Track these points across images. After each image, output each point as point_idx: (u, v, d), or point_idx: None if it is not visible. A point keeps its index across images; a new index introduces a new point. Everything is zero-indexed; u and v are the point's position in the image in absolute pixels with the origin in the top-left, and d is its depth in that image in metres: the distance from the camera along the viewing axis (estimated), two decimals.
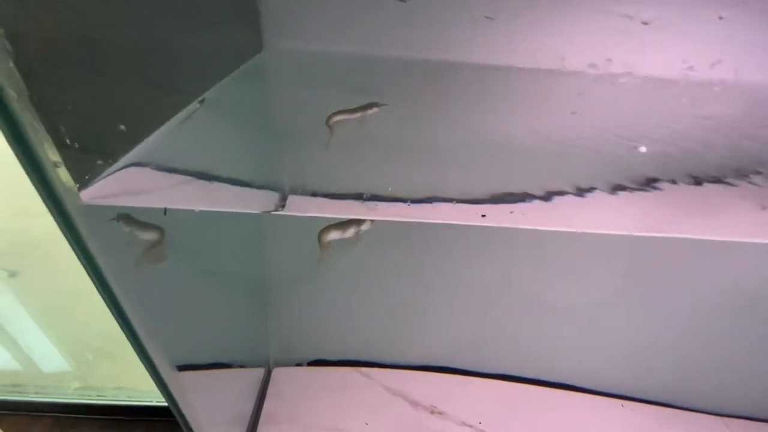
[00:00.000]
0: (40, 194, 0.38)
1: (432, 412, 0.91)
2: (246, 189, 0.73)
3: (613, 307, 0.86)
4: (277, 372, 0.98)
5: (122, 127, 0.47)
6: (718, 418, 0.91)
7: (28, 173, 0.37)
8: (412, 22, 0.80)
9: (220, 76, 0.80)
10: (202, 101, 0.70)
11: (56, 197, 0.38)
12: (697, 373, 0.89)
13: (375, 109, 0.73)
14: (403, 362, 0.99)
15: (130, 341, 0.53)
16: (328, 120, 0.80)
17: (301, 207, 0.62)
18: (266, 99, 0.96)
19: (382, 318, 0.95)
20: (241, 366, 0.90)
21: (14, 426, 1.13)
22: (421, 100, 0.83)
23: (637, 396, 0.94)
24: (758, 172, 0.61)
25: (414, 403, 0.93)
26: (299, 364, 1.00)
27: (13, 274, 1.78)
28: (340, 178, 0.78)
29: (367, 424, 0.89)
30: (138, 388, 1.20)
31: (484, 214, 0.49)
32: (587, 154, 0.68)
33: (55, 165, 0.37)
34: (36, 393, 1.19)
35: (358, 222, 0.71)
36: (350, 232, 0.71)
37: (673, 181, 0.62)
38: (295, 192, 0.76)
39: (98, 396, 1.20)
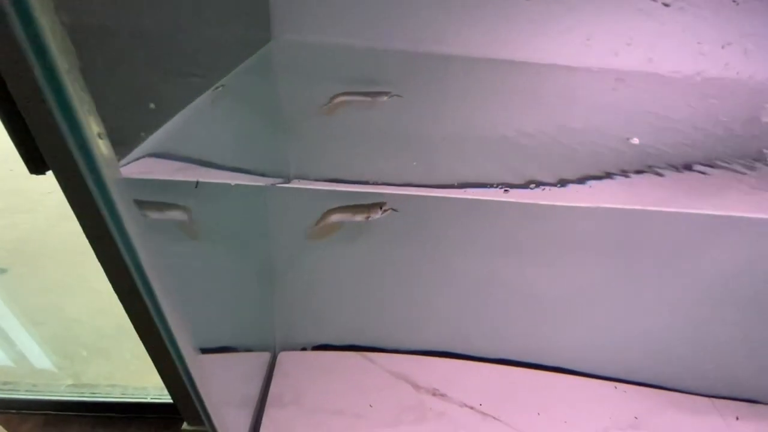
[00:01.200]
0: (81, 165, 0.40)
1: (434, 395, 0.94)
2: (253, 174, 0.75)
3: (607, 292, 0.89)
4: (282, 356, 1.00)
5: (152, 105, 0.49)
6: (706, 399, 0.96)
7: (70, 144, 0.39)
8: (420, 15, 0.83)
9: (232, 65, 0.82)
10: (217, 89, 0.72)
11: (96, 168, 0.40)
12: (686, 356, 0.93)
13: (385, 98, 0.76)
14: (405, 347, 1.02)
15: (155, 321, 0.53)
16: (332, 100, 0.83)
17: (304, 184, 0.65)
18: (274, 88, 0.98)
19: (384, 304, 0.97)
20: (248, 350, 0.92)
21: (5, 424, 1.12)
22: (428, 92, 0.86)
23: (629, 378, 0.98)
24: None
25: (416, 386, 0.96)
26: (304, 349, 1.02)
27: (2, 271, 1.76)
28: (342, 163, 0.81)
29: (371, 406, 0.92)
30: (132, 385, 1.17)
31: (506, 189, 0.52)
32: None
33: (99, 136, 0.39)
34: (27, 391, 1.15)
35: (370, 208, 0.74)
36: (360, 217, 0.74)
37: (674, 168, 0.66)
38: (299, 177, 0.79)
39: (91, 393, 1.17)
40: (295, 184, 0.80)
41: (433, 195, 0.76)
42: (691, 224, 0.75)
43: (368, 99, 0.78)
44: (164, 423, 1.10)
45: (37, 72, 0.34)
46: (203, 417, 0.68)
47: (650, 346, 0.93)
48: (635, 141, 0.79)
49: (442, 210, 0.81)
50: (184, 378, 0.61)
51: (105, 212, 0.43)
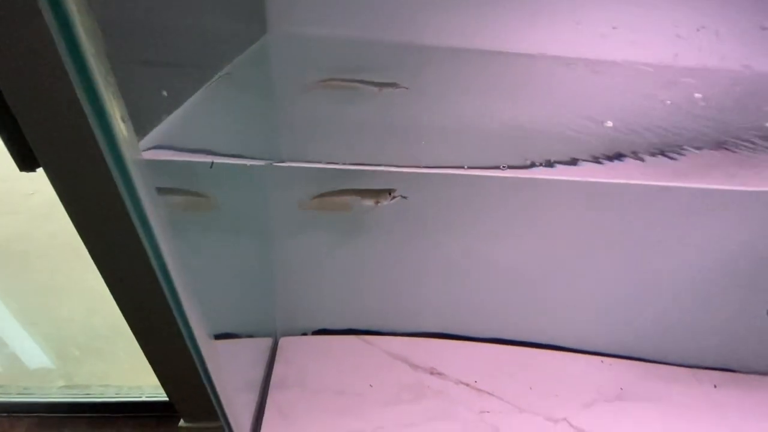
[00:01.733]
0: (102, 147, 0.42)
1: (431, 373, 0.98)
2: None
3: (592, 271, 0.94)
4: (283, 341, 1.03)
5: (164, 92, 0.51)
6: (686, 369, 1.02)
7: (93, 126, 0.41)
8: (415, 8, 0.86)
9: (228, 58, 0.84)
10: (213, 81, 0.74)
11: (118, 150, 0.42)
12: (667, 329, 0.99)
13: (391, 89, 0.79)
14: (402, 330, 1.06)
15: (170, 305, 0.54)
16: (325, 82, 0.85)
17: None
18: (269, 79, 1.00)
19: (380, 289, 1.01)
20: (252, 336, 0.94)
21: None
22: (425, 84, 0.89)
23: (614, 352, 1.03)
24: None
25: (414, 366, 1.00)
26: (304, 334, 1.05)
27: None
28: (333, 149, 0.84)
29: (371, 385, 0.95)
30: (126, 384, 1.17)
31: (505, 165, 0.56)
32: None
33: (122, 119, 0.41)
34: (19, 394, 1.14)
35: (380, 194, 0.76)
36: (369, 202, 0.76)
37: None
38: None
39: (84, 394, 1.15)
40: (292, 163, 0.81)
41: (428, 172, 0.79)
42: (674, 199, 0.79)
43: (374, 89, 0.81)
44: (160, 421, 1.10)
45: (63, 53, 0.35)
46: (214, 403, 0.69)
47: (633, 321, 0.98)
48: (609, 124, 0.83)
49: (435, 189, 0.84)
50: (198, 365, 0.62)
51: (125, 192, 0.45)
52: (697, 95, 0.86)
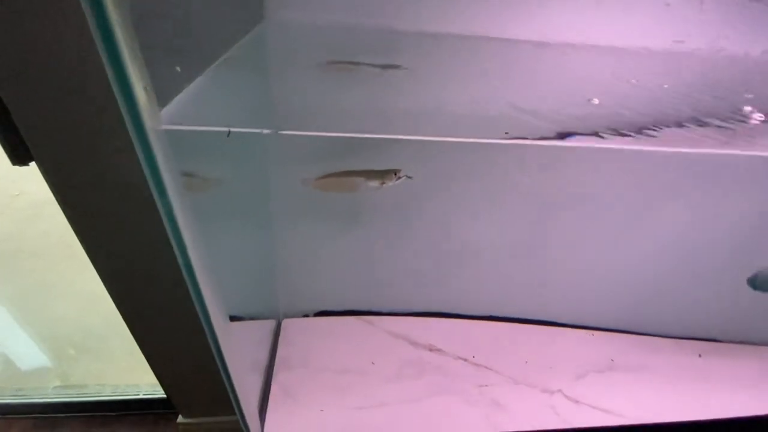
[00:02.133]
0: (124, 115, 0.43)
1: (431, 350, 1.01)
2: None
3: (583, 248, 0.98)
4: (286, 323, 1.05)
5: (178, 68, 0.53)
6: (671, 339, 1.07)
7: (117, 94, 0.42)
8: None
9: (225, 46, 0.84)
10: (209, 69, 0.75)
11: (140, 119, 0.43)
12: (653, 302, 1.04)
13: (393, 70, 0.81)
14: (402, 310, 1.09)
15: (187, 284, 0.52)
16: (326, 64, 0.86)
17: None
18: (265, 67, 1.01)
19: (381, 270, 1.04)
20: (255, 318, 0.96)
21: None
22: (426, 70, 0.91)
23: (603, 326, 1.08)
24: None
25: (414, 344, 1.03)
26: (306, 315, 1.07)
27: None
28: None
29: (373, 363, 0.98)
30: (123, 382, 1.17)
31: (507, 131, 0.58)
32: None
33: (145, 89, 0.43)
34: (13, 395, 1.13)
35: (385, 175, 0.78)
36: (375, 183, 0.78)
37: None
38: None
39: (80, 393, 1.15)
40: (296, 132, 0.81)
41: (431, 140, 0.80)
42: (659, 167, 0.83)
43: (377, 70, 0.82)
44: (158, 418, 1.12)
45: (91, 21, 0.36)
46: (228, 389, 0.69)
47: (621, 295, 1.03)
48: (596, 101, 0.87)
49: (436, 162, 0.85)
50: (214, 351, 0.61)
51: (145, 162, 0.45)
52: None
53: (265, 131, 0.85)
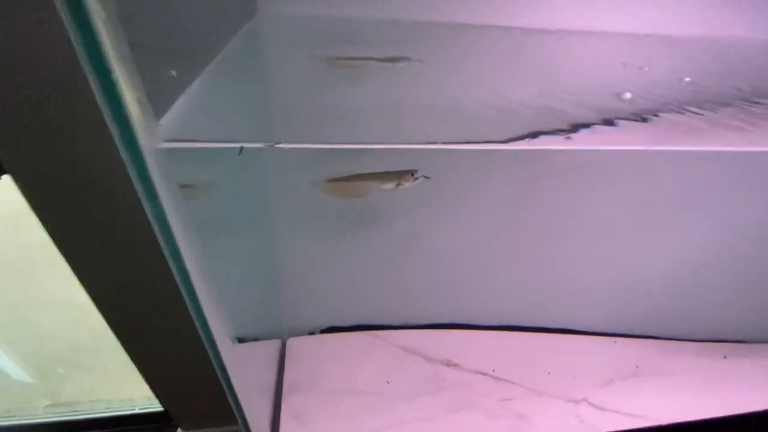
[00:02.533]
0: (117, 132, 0.36)
1: (448, 365, 0.95)
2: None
3: (603, 253, 0.93)
4: (291, 342, 0.98)
5: (173, 72, 0.45)
6: (695, 343, 1.03)
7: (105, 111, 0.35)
8: None
9: (220, 43, 0.77)
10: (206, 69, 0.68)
11: (133, 137, 0.36)
12: (677, 307, 1.00)
13: (405, 63, 0.74)
14: (413, 322, 1.03)
15: (188, 306, 0.47)
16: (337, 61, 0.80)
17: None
18: (263, 62, 0.93)
19: (389, 281, 0.97)
20: (259, 338, 0.89)
21: None
22: (437, 62, 0.85)
23: (627, 333, 1.03)
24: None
25: (429, 359, 0.97)
26: (312, 333, 1.00)
27: None
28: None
29: (388, 382, 0.92)
30: (117, 398, 1.11)
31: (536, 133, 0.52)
32: None
33: (139, 101, 0.36)
34: (1, 417, 1.07)
35: (401, 176, 0.71)
36: (390, 185, 0.71)
37: None
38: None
39: (72, 411, 1.09)
40: (292, 145, 0.75)
41: (444, 149, 0.74)
42: (684, 166, 0.79)
43: (386, 64, 0.76)
44: None
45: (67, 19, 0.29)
46: (235, 411, 0.65)
47: (644, 300, 0.99)
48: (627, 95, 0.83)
49: (448, 169, 0.80)
50: (218, 371, 0.57)
51: (139, 180, 0.38)
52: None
53: (261, 145, 0.78)
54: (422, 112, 0.76)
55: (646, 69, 0.89)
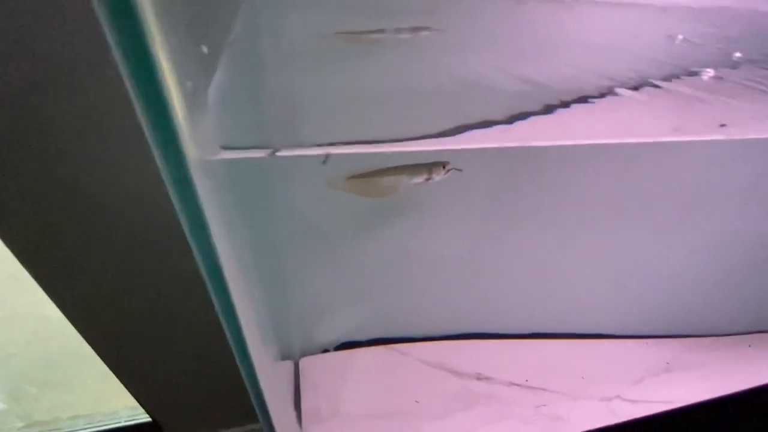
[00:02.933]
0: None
1: (478, 379, 0.88)
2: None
3: (630, 254, 0.89)
4: (304, 363, 0.87)
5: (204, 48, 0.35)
6: (723, 336, 1.02)
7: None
8: None
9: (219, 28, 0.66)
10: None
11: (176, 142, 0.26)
12: (703, 304, 0.97)
13: (426, 33, 0.66)
14: (436, 334, 0.94)
15: (225, 324, 0.40)
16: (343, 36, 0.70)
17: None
18: (260, 54, 0.82)
19: (408, 289, 0.89)
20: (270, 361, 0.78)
21: None
22: (462, 33, 0.77)
23: (657, 333, 1.00)
24: None
25: (458, 374, 0.89)
26: (326, 350, 0.90)
27: None
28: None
29: (417, 401, 0.83)
30: (99, 411, 1.06)
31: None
32: None
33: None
34: None
35: (432, 168, 0.63)
36: (419, 178, 0.63)
37: None
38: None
39: (52, 430, 1.05)
40: (294, 152, 0.65)
41: (471, 148, 0.67)
42: (713, 154, 0.75)
43: (406, 36, 0.67)
44: None
45: None
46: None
47: (672, 299, 0.96)
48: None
49: (468, 170, 0.71)
50: (251, 392, 0.48)
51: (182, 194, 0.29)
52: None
53: (260, 154, 0.67)
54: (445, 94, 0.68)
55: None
